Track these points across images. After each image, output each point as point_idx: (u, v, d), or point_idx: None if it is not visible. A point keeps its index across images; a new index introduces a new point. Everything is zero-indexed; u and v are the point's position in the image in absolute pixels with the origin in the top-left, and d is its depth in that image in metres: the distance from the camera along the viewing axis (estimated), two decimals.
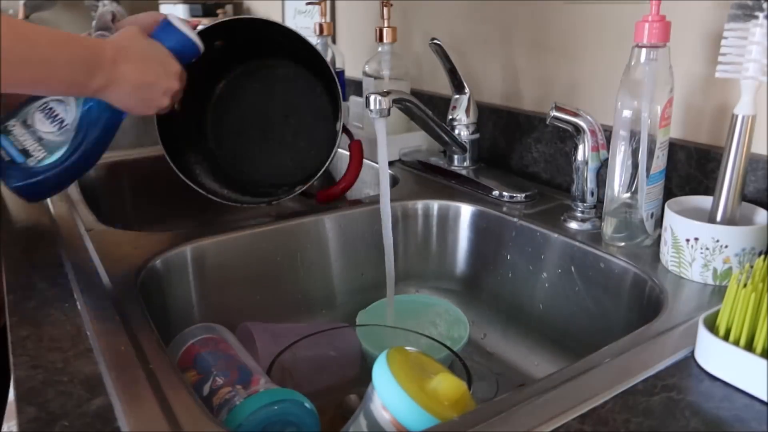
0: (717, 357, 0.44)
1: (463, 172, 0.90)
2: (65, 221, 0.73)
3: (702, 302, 0.56)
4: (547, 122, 0.71)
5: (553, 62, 0.87)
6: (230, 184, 0.88)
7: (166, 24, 0.67)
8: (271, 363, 0.56)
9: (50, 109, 0.65)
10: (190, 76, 0.70)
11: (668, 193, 0.69)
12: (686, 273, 0.60)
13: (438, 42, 0.86)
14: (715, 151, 0.68)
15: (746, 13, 0.54)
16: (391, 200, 0.70)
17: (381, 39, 1.00)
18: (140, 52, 0.63)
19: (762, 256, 0.48)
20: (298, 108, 0.90)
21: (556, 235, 0.71)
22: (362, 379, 0.63)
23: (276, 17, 1.70)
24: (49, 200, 0.80)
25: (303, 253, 0.77)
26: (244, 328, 0.65)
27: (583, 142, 0.70)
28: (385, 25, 0.99)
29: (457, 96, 0.90)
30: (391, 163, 1.00)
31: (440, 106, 1.05)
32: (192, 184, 0.81)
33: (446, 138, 0.87)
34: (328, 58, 1.20)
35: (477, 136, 0.91)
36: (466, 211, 0.83)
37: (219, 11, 1.76)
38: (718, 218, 0.59)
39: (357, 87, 1.27)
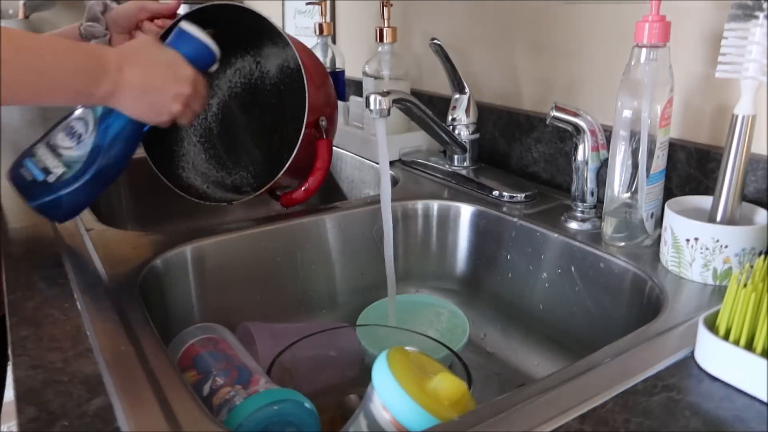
0: (717, 357, 0.44)
1: (463, 172, 0.90)
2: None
3: (702, 302, 0.56)
4: (547, 122, 0.71)
5: (553, 62, 0.87)
6: (204, 178, 0.87)
7: (180, 31, 0.66)
8: (271, 363, 0.56)
9: (71, 127, 0.64)
10: None
11: (668, 193, 0.69)
12: (686, 273, 0.60)
13: (438, 42, 0.86)
14: (715, 151, 0.68)
15: (746, 13, 0.54)
16: (391, 200, 0.70)
17: (381, 39, 1.00)
18: (147, 57, 0.62)
19: (762, 256, 0.48)
20: (273, 105, 0.90)
21: (556, 235, 0.71)
22: (362, 379, 0.63)
23: (276, 17, 1.70)
24: None
25: (303, 253, 0.77)
26: (244, 328, 0.65)
27: (583, 142, 0.70)
28: (385, 25, 0.99)
29: (457, 96, 0.90)
30: (391, 163, 1.00)
31: (440, 106, 1.05)
32: (168, 179, 0.81)
33: (446, 138, 0.87)
34: (327, 58, 1.20)
35: (477, 136, 0.91)
36: (466, 211, 0.83)
37: None
38: (718, 218, 0.59)
39: (357, 87, 1.27)
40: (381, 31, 0.99)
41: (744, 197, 0.60)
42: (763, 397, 0.41)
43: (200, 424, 0.40)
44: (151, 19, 0.81)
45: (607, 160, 0.68)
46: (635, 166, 0.64)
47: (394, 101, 0.72)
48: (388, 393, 0.42)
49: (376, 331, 0.66)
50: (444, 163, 0.93)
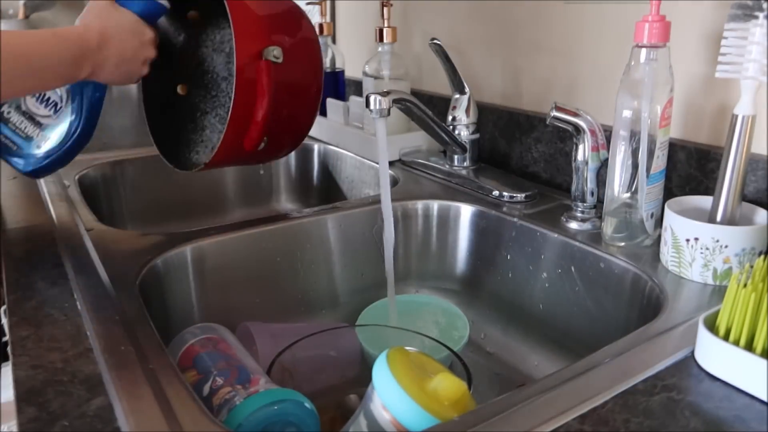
0: (717, 357, 0.44)
1: (463, 172, 0.90)
2: (65, 221, 0.73)
3: (702, 302, 0.56)
4: (547, 122, 0.71)
5: (553, 62, 0.87)
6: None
7: None
8: (271, 363, 0.56)
9: (42, 93, 0.69)
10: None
11: (668, 193, 0.69)
12: (686, 273, 0.60)
13: (438, 42, 0.86)
14: (715, 151, 0.68)
15: (746, 13, 0.54)
16: (391, 200, 0.70)
17: (381, 39, 1.00)
18: (117, 29, 0.65)
19: (762, 256, 0.48)
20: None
21: (556, 235, 0.71)
22: (362, 379, 0.63)
23: None
24: (49, 200, 0.80)
25: (303, 253, 0.77)
26: (244, 328, 0.65)
27: (583, 142, 0.70)
28: (385, 25, 0.99)
29: (457, 96, 0.90)
30: (391, 163, 1.00)
31: (440, 106, 1.05)
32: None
33: (446, 138, 0.87)
34: (327, 58, 1.20)
35: (477, 136, 0.91)
36: (466, 211, 0.83)
37: None
38: (718, 218, 0.59)
39: (357, 87, 1.28)
40: (381, 31, 0.99)
41: (744, 197, 0.60)
42: (763, 397, 0.41)
43: (200, 424, 0.40)
44: None
45: (607, 160, 0.68)
46: (635, 166, 0.64)
47: (394, 101, 0.72)
48: (388, 393, 0.42)
49: (376, 331, 0.66)
50: (444, 163, 0.93)
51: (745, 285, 0.45)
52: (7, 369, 1.37)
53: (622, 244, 0.67)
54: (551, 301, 0.73)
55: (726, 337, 0.44)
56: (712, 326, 0.46)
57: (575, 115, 0.70)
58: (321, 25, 1.19)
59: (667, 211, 0.61)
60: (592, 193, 0.72)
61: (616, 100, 0.64)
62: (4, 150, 0.69)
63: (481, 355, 0.77)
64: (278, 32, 0.75)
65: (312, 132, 1.22)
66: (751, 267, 0.47)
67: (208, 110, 0.83)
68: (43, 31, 0.61)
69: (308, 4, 1.34)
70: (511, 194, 0.81)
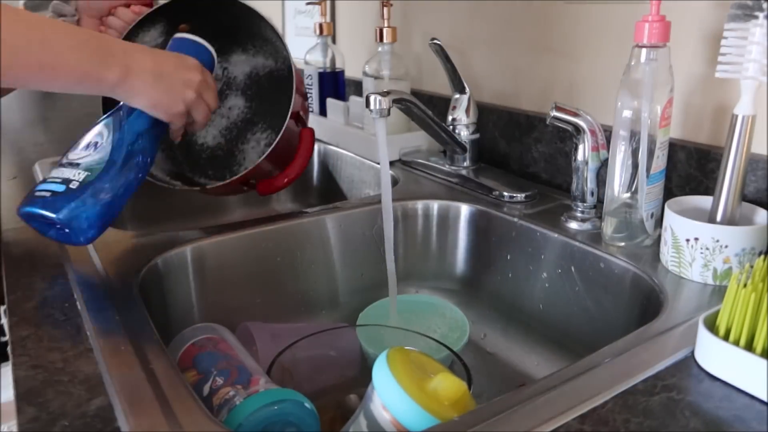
0: (717, 357, 0.44)
1: (463, 172, 0.90)
2: None
3: (702, 302, 0.56)
4: (547, 122, 0.71)
5: (553, 62, 0.87)
6: (176, 164, 0.87)
7: (178, 39, 0.66)
8: (271, 363, 0.56)
9: (86, 143, 0.61)
10: None
11: (668, 193, 0.69)
12: (686, 273, 0.60)
13: (438, 42, 0.86)
14: (715, 151, 0.68)
15: (746, 13, 0.54)
16: (392, 200, 0.70)
17: (381, 39, 1.00)
18: (150, 48, 0.62)
19: (762, 256, 0.48)
20: (258, 94, 0.90)
21: (556, 235, 0.71)
22: (362, 379, 0.63)
23: (276, 17, 1.70)
24: None
25: (303, 253, 0.77)
26: (244, 328, 0.65)
27: (583, 142, 0.70)
28: (385, 25, 0.99)
29: (457, 96, 0.90)
30: (391, 163, 1.00)
31: (440, 106, 1.05)
32: None
33: (446, 138, 0.87)
34: (327, 58, 1.20)
35: (477, 136, 0.91)
36: (466, 211, 0.83)
37: None
38: (718, 218, 0.59)
39: (357, 87, 1.27)
40: (381, 31, 0.99)
41: (744, 197, 0.60)
42: (763, 397, 0.41)
43: (200, 424, 0.40)
44: (127, 5, 0.77)
45: (607, 160, 0.68)
46: (635, 166, 0.64)
47: (394, 101, 0.72)
48: (388, 393, 0.42)
49: (376, 331, 0.66)
50: (444, 163, 0.93)
51: (745, 285, 0.45)
52: (7, 369, 1.37)
53: (622, 244, 0.67)
54: (551, 301, 0.73)
55: (726, 337, 0.44)
56: (712, 326, 0.46)
57: (575, 115, 0.70)
58: (321, 25, 1.19)
59: (667, 211, 0.61)
60: (592, 193, 0.72)
61: (616, 100, 0.64)
62: (33, 207, 0.57)
63: (481, 355, 0.77)
64: (304, 98, 0.84)
65: None
66: (751, 267, 0.47)
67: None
68: (52, 18, 0.57)
69: (308, 4, 1.34)
70: (511, 194, 0.81)
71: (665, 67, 0.62)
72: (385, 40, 1.00)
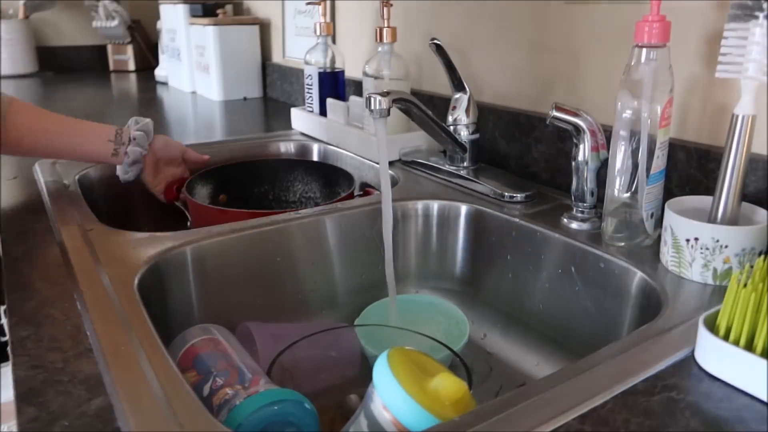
0: (717, 357, 0.44)
1: (463, 172, 0.90)
2: (65, 221, 0.73)
3: (702, 302, 0.56)
4: (547, 122, 0.71)
5: (553, 62, 0.87)
6: None
7: None
8: (271, 363, 0.56)
9: None
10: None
11: (668, 193, 0.69)
12: (686, 273, 0.60)
13: (438, 42, 0.86)
14: (715, 151, 0.68)
15: (746, 13, 0.54)
16: (392, 200, 0.70)
17: (381, 39, 1.00)
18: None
19: (762, 256, 0.48)
20: None
21: (556, 235, 0.71)
22: (362, 379, 0.63)
23: (276, 17, 1.70)
24: (49, 200, 0.80)
25: (303, 254, 0.77)
26: (244, 328, 0.65)
27: (583, 142, 0.70)
28: (385, 25, 0.99)
29: (457, 96, 0.90)
30: (391, 163, 1.00)
31: (440, 106, 1.05)
32: None
33: (446, 138, 0.87)
34: (327, 58, 1.20)
35: (477, 136, 0.91)
36: (466, 211, 0.83)
37: (219, 11, 1.76)
38: (718, 218, 0.59)
39: (357, 87, 1.27)
40: (381, 31, 0.99)
41: (744, 197, 0.60)
42: (763, 397, 0.41)
43: (200, 424, 0.40)
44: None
45: (607, 160, 0.68)
46: (635, 166, 0.64)
47: (394, 101, 0.72)
48: (388, 393, 0.42)
49: (376, 331, 0.66)
50: (444, 163, 0.93)
51: (745, 285, 0.45)
52: (7, 369, 1.37)
53: (622, 244, 0.67)
54: (551, 301, 0.73)
55: (726, 337, 0.45)
56: (712, 326, 0.46)
57: (575, 115, 0.70)
58: (321, 25, 1.19)
59: (667, 211, 0.61)
60: (592, 193, 0.72)
61: (616, 100, 0.64)
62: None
63: (481, 355, 0.77)
64: None
65: (312, 132, 1.22)
66: (751, 267, 0.47)
67: None
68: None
69: (308, 4, 1.34)
70: (511, 194, 0.81)
71: (665, 67, 0.62)
72: (385, 40, 1.00)
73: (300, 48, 1.54)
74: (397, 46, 1.02)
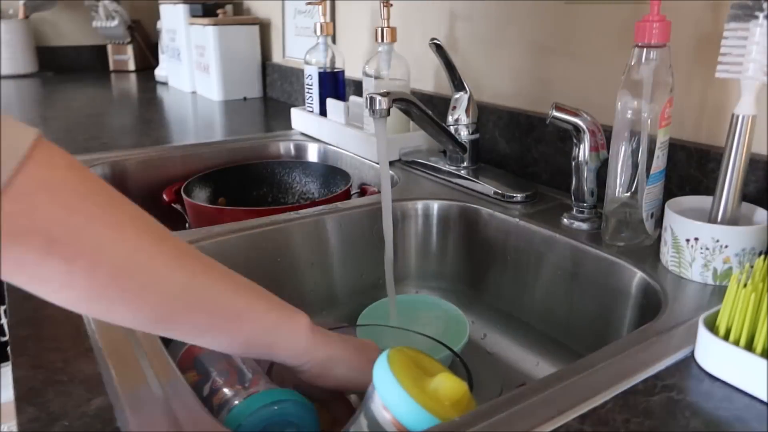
0: (717, 357, 0.44)
1: (463, 172, 0.90)
2: None
3: (702, 302, 0.56)
4: (547, 122, 0.71)
5: (553, 62, 0.87)
6: None
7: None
8: (271, 363, 0.56)
9: None
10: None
11: (668, 193, 0.69)
12: (686, 273, 0.60)
13: (438, 42, 0.86)
14: (715, 151, 0.68)
15: (746, 13, 0.54)
16: (392, 200, 0.70)
17: (381, 39, 1.00)
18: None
19: (762, 256, 0.48)
20: None
21: (556, 235, 0.71)
22: None
23: (276, 17, 1.70)
24: None
25: (303, 253, 0.77)
26: None
27: (583, 142, 0.70)
28: (385, 25, 0.99)
29: (457, 96, 0.90)
30: (391, 163, 1.00)
31: (440, 106, 1.05)
32: None
33: (446, 138, 0.87)
34: (327, 58, 1.20)
35: (477, 136, 0.91)
36: (466, 211, 0.83)
37: (219, 11, 1.76)
38: (718, 218, 0.59)
39: (357, 87, 1.28)
40: (381, 31, 0.99)
41: (744, 197, 0.60)
42: (763, 397, 0.41)
43: (200, 424, 0.40)
44: None
45: (607, 160, 0.68)
46: (635, 166, 0.64)
47: (394, 101, 0.72)
48: (388, 393, 0.42)
49: (376, 331, 0.66)
50: (444, 163, 0.93)
51: (745, 285, 0.45)
52: (7, 369, 1.37)
53: (622, 244, 0.67)
54: (551, 301, 0.73)
55: (726, 337, 0.44)
56: (712, 326, 0.46)
57: (575, 115, 0.70)
58: (321, 25, 1.19)
59: (667, 211, 0.61)
60: (592, 193, 0.72)
61: (616, 100, 0.64)
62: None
63: (481, 355, 0.77)
64: None
65: (312, 132, 1.22)
66: (751, 267, 0.47)
67: None
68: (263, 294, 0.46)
69: (308, 4, 1.34)
70: (511, 194, 0.81)
71: (665, 67, 0.62)
72: (385, 40, 1.00)
73: (300, 48, 1.54)
74: (397, 46, 1.02)
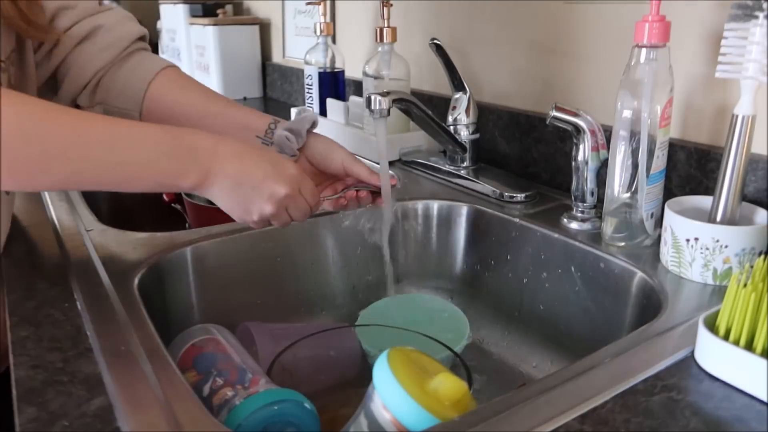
0: (717, 357, 0.44)
1: (463, 172, 0.90)
2: (65, 221, 0.73)
3: (702, 302, 0.56)
4: (547, 122, 0.71)
5: (553, 62, 0.87)
6: None
7: None
8: (271, 363, 0.56)
9: None
10: None
11: (668, 193, 0.69)
12: (686, 273, 0.60)
13: (438, 42, 0.86)
14: (715, 151, 0.68)
15: (746, 13, 0.54)
16: (392, 200, 0.70)
17: (381, 39, 1.00)
18: (248, 149, 0.55)
19: (762, 256, 0.48)
20: None
21: (556, 235, 0.71)
22: (362, 379, 0.63)
23: (276, 17, 1.70)
24: (48, 200, 0.80)
25: (303, 253, 0.77)
26: (244, 328, 0.65)
27: (583, 142, 0.70)
28: (385, 25, 0.99)
29: (457, 96, 0.90)
30: (391, 163, 1.00)
31: (440, 106, 1.05)
32: None
33: (446, 138, 0.87)
34: (327, 58, 1.20)
35: (477, 136, 0.91)
36: (466, 211, 0.83)
37: (219, 11, 1.76)
38: (718, 218, 0.59)
39: (357, 87, 1.27)
40: (381, 31, 0.99)
41: (744, 197, 0.60)
42: (763, 397, 0.41)
43: (200, 424, 0.40)
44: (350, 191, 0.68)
45: (607, 160, 0.68)
46: (635, 166, 0.64)
47: (394, 101, 0.72)
48: (388, 393, 0.42)
49: (376, 331, 0.66)
50: (444, 163, 0.93)
51: (745, 285, 0.45)
52: None
53: (622, 244, 0.67)
54: (551, 301, 0.73)
55: (726, 337, 0.44)
56: (712, 326, 0.46)
57: (575, 115, 0.70)
58: (321, 25, 1.19)
59: (667, 211, 0.61)
60: (592, 193, 0.72)
61: (616, 100, 0.64)
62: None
63: (481, 355, 0.77)
64: None
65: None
66: (751, 267, 0.47)
67: None
68: (141, 124, 0.53)
69: (308, 4, 1.34)
70: (511, 194, 0.81)
71: (665, 67, 0.62)
72: (385, 40, 1.00)
73: (300, 48, 1.54)
74: (397, 46, 1.02)
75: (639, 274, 0.62)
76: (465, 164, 0.91)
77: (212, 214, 0.84)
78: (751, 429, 0.39)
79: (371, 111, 0.70)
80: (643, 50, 0.61)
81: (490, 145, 0.96)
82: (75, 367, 0.45)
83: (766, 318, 0.42)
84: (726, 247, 0.57)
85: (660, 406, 0.41)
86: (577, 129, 0.70)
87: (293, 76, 1.61)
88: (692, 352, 0.47)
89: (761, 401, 0.41)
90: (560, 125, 0.71)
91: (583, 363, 0.46)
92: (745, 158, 0.57)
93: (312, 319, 0.79)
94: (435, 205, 0.85)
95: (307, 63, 1.21)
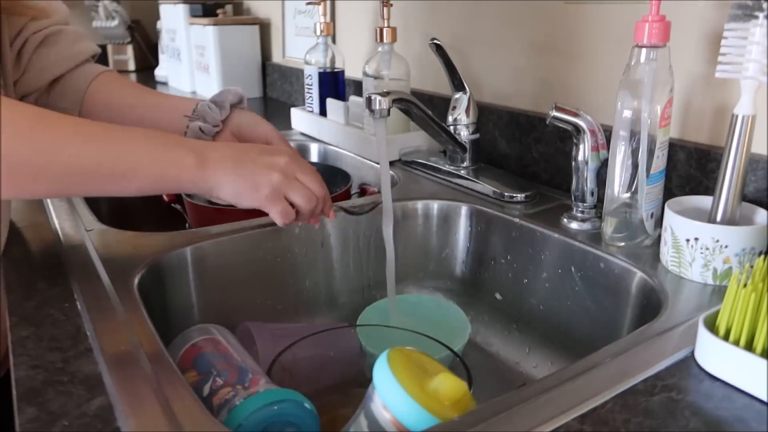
0: (717, 357, 0.44)
1: (463, 172, 0.90)
2: (65, 221, 0.73)
3: (702, 302, 0.56)
4: (547, 122, 0.71)
5: (553, 62, 0.87)
6: None
7: None
8: (271, 363, 0.56)
9: None
10: None
11: (668, 193, 0.69)
12: (686, 273, 0.60)
13: (438, 42, 0.86)
14: (715, 151, 0.68)
15: (746, 13, 0.54)
16: (392, 200, 0.70)
17: (381, 39, 1.00)
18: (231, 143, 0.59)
19: (762, 256, 0.48)
20: None
21: (556, 235, 0.71)
22: (362, 379, 0.63)
23: (276, 17, 1.70)
24: (48, 200, 0.80)
25: (303, 253, 0.77)
26: (244, 328, 0.65)
27: (583, 142, 0.70)
28: (385, 25, 0.99)
29: (457, 96, 0.90)
30: (391, 163, 1.00)
31: (440, 106, 1.05)
32: None
33: (446, 138, 0.87)
34: (327, 58, 1.20)
35: (477, 136, 0.91)
36: (466, 211, 0.83)
37: (219, 11, 1.76)
38: (718, 218, 0.59)
39: (357, 87, 1.28)
40: (381, 31, 0.99)
41: (744, 197, 0.60)
42: (763, 397, 0.41)
43: (200, 424, 0.40)
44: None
45: (607, 160, 0.68)
46: (635, 166, 0.64)
47: (394, 101, 0.72)
48: (388, 393, 0.42)
49: (376, 331, 0.66)
50: (444, 163, 0.93)
51: (745, 285, 0.45)
52: None
53: (622, 244, 0.67)
54: (551, 301, 0.73)
55: (726, 337, 0.44)
56: (712, 326, 0.46)
57: (575, 115, 0.70)
58: (321, 25, 1.19)
59: (667, 211, 0.61)
60: (592, 193, 0.72)
61: (616, 100, 0.64)
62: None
63: (481, 355, 0.77)
64: None
65: (312, 132, 1.23)
66: (751, 267, 0.47)
67: None
68: (133, 130, 0.54)
69: (308, 4, 1.34)
70: (511, 194, 0.81)
71: (665, 67, 0.62)
72: (385, 40, 1.00)
73: (300, 48, 1.54)
74: (397, 46, 1.02)
75: (639, 274, 0.62)
76: (465, 164, 0.91)
77: (212, 215, 0.84)
78: (751, 429, 0.39)
79: (371, 111, 0.70)
80: (643, 50, 0.61)
81: (490, 145, 0.96)
82: (75, 367, 0.45)
83: (766, 318, 0.42)
84: (726, 247, 0.57)
85: (660, 406, 0.41)
86: (577, 129, 0.70)
87: (293, 76, 1.61)
88: (692, 352, 0.47)
89: (761, 401, 0.41)
90: (560, 125, 0.71)
91: (583, 363, 0.46)
92: (745, 158, 0.57)
93: (312, 319, 0.79)
94: (435, 205, 0.85)
95: (307, 63, 1.21)
